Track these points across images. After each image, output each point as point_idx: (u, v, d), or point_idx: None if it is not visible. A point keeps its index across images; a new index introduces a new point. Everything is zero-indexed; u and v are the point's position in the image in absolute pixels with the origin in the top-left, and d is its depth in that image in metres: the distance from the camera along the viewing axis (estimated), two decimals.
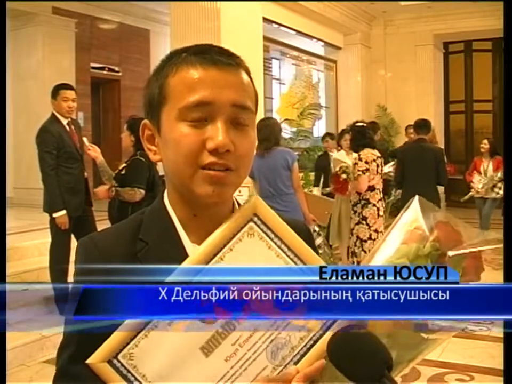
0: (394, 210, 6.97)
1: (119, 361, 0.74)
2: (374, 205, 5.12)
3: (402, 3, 9.94)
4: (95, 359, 0.73)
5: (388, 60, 10.95)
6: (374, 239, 5.07)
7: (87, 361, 0.73)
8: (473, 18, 10.08)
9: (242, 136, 0.83)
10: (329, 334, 0.76)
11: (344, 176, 5.52)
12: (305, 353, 0.76)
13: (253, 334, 0.75)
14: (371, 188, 5.10)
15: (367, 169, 5.06)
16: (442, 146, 8.20)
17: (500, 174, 7.12)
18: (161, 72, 0.86)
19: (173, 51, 0.88)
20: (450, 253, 0.85)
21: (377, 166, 5.13)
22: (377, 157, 5.16)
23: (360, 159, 5.11)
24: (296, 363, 0.76)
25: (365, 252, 5.10)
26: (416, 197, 0.92)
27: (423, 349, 0.87)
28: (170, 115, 0.83)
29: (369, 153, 5.11)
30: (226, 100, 0.81)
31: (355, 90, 10.48)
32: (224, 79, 0.82)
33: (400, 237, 0.89)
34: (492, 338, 4.05)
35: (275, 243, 0.78)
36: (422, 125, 5.92)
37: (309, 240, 0.99)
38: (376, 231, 5.09)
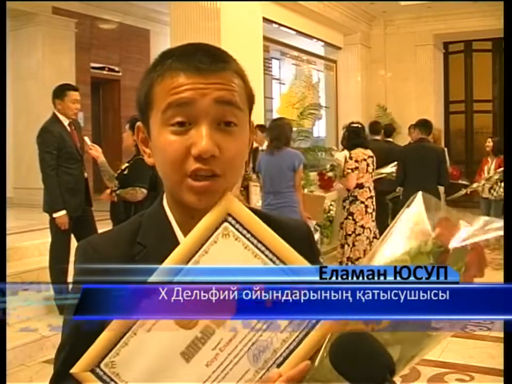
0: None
1: (101, 370, 0.74)
2: (362, 202, 5.37)
3: (402, 3, 9.93)
4: (78, 368, 0.74)
5: (388, 60, 10.94)
6: (359, 234, 5.33)
7: (71, 371, 0.74)
8: (473, 18, 10.07)
9: (230, 139, 0.81)
10: (312, 336, 0.74)
11: (330, 174, 5.81)
12: (288, 355, 0.74)
13: (234, 338, 0.73)
14: (360, 186, 5.33)
15: (356, 168, 5.32)
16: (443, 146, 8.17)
17: (497, 176, 7.09)
18: (148, 78, 0.86)
19: (161, 54, 0.87)
20: (451, 245, 0.84)
21: (367, 165, 5.37)
22: (368, 156, 5.41)
23: (350, 158, 5.36)
24: (278, 366, 0.74)
25: (349, 245, 5.36)
26: (420, 192, 0.91)
27: (425, 345, 0.87)
28: (156, 121, 0.83)
29: (360, 153, 5.38)
30: (209, 98, 0.80)
31: (355, 90, 10.47)
32: (207, 83, 0.81)
33: (402, 233, 0.88)
34: (492, 338, 4.05)
35: (252, 242, 0.75)
36: (424, 125, 5.91)
37: (310, 241, 0.99)
38: (362, 226, 5.36)
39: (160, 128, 0.82)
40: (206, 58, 0.82)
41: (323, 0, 8.79)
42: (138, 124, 0.90)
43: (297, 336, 0.74)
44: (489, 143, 7.55)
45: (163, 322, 0.73)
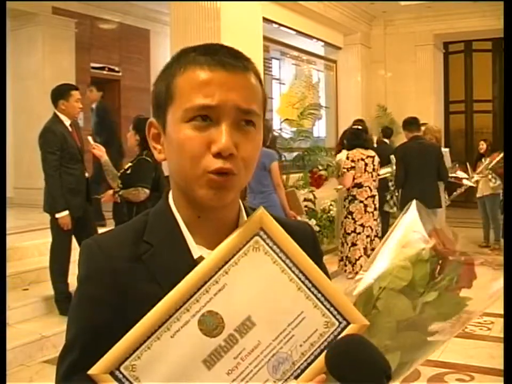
0: None
1: (121, 372, 0.73)
2: (361, 202, 5.41)
3: (402, 3, 9.93)
4: (97, 370, 0.73)
5: (388, 60, 10.94)
6: (359, 233, 5.36)
7: (89, 372, 0.73)
8: (473, 18, 10.07)
9: (247, 140, 0.82)
10: (326, 350, 0.76)
11: (322, 172, 5.95)
12: (306, 368, 0.76)
13: (256, 348, 0.75)
14: (358, 185, 5.37)
15: (353, 167, 5.41)
16: (443, 146, 8.17)
17: (490, 165, 7.12)
18: (169, 71, 0.85)
19: (182, 50, 0.87)
20: (450, 259, 0.86)
21: (366, 165, 5.41)
22: (367, 156, 5.45)
23: (347, 158, 5.47)
24: (296, 377, 0.76)
25: (347, 244, 5.40)
26: (414, 200, 0.93)
27: (426, 349, 0.88)
28: (175, 115, 0.82)
29: (357, 153, 5.43)
30: (232, 104, 0.80)
31: (355, 90, 10.46)
32: (231, 82, 0.81)
33: (401, 239, 0.89)
34: (491, 338, 4.05)
35: (280, 258, 0.77)
36: (412, 122, 5.81)
37: (314, 243, 0.99)
38: (362, 225, 5.39)
39: (180, 123, 0.82)
40: (230, 55, 0.83)
41: (323, 0, 8.78)
42: (151, 119, 0.89)
43: (316, 349, 0.76)
44: (482, 145, 7.65)
45: (188, 328, 0.74)
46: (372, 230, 5.45)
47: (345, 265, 5.50)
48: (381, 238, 5.53)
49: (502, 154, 6.93)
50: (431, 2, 9.86)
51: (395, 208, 7.10)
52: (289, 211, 4.99)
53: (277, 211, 4.76)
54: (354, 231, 5.44)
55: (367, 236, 5.43)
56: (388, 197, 7.11)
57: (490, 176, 7.16)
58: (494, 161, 7.09)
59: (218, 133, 0.80)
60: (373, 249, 5.41)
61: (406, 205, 0.94)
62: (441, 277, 0.86)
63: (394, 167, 6.55)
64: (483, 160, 7.51)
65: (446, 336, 0.88)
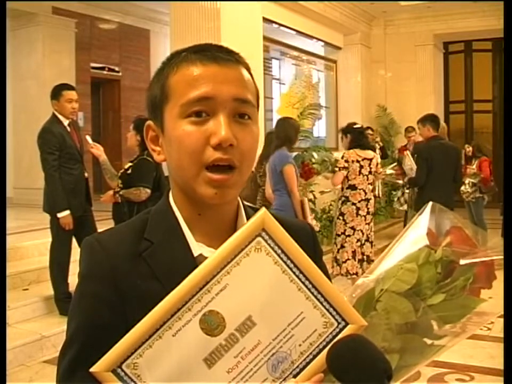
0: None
1: (123, 370, 0.74)
2: (354, 204, 5.24)
3: (402, 3, 9.94)
4: (99, 367, 0.73)
5: (388, 60, 10.95)
6: (349, 235, 5.22)
7: (91, 370, 0.73)
8: (473, 18, 10.08)
9: (245, 131, 0.83)
10: (327, 350, 0.77)
11: (314, 166, 5.87)
12: (304, 367, 0.77)
13: (256, 348, 0.76)
14: (352, 187, 5.22)
15: (345, 168, 5.22)
16: None
17: (468, 179, 7.15)
18: (162, 73, 0.86)
19: (173, 52, 0.88)
20: (462, 262, 0.84)
21: (361, 167, 5.21)
22: (363, 158, 5.24)
23: (342, 157, 5.29)
24: (295, 376, 0.77)
25: (336, 245, 5.27)
26: (430, 202, 0.92)
27: (427, 354, 0.87)
28: (173, 113, 0.83)
29: (353, 154, 5.25)
30: (227, 94, 0.81)
31: (355, 90, 10.47)
32: (225, 74, 0.82)
33: (412, 241, 0.88)
34: (491, 338, 4.05)
35: (281, 259, 0.77)
36: (435, 120, 5.50)
37: (314, 242, 1.00)
38: (353, 228, 5.22)
39: (177, 120, 0.82)
40: (221, 51, 0.85)
41: (323, 0, 8.79)
42: (148, 122, 0.90)
43: (314, 349, 0.77)
44: (468, 148, 7.69)
45: (189, 327, 0.74)
46: (362, 234, 5.27)
47: (333, 266, 5.33)
48: (372, 242, 5.40)
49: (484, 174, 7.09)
50: (431, 2, 9.86)
51: (405, 206, 7.00)
52: (300, 218, 4.75)
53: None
54: (344, 233, 5.26)
55: (358, 240, 5.24)
56: (399, 194, 7.00)
57: (470, 184, 7.18)
58: (480, 175, 7.17)
59: (217, 124, 0.80)
60: (362, 254, 5.26)
61: (423, 205, 0.91)
62: (453, 277, 0.84)
63: (402, 166, 6.47)
64: (473, 161, 7.53)
65: (450, 342, 0.87)
